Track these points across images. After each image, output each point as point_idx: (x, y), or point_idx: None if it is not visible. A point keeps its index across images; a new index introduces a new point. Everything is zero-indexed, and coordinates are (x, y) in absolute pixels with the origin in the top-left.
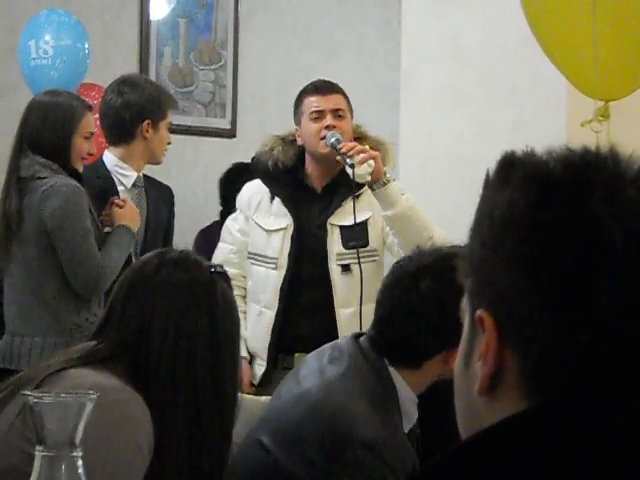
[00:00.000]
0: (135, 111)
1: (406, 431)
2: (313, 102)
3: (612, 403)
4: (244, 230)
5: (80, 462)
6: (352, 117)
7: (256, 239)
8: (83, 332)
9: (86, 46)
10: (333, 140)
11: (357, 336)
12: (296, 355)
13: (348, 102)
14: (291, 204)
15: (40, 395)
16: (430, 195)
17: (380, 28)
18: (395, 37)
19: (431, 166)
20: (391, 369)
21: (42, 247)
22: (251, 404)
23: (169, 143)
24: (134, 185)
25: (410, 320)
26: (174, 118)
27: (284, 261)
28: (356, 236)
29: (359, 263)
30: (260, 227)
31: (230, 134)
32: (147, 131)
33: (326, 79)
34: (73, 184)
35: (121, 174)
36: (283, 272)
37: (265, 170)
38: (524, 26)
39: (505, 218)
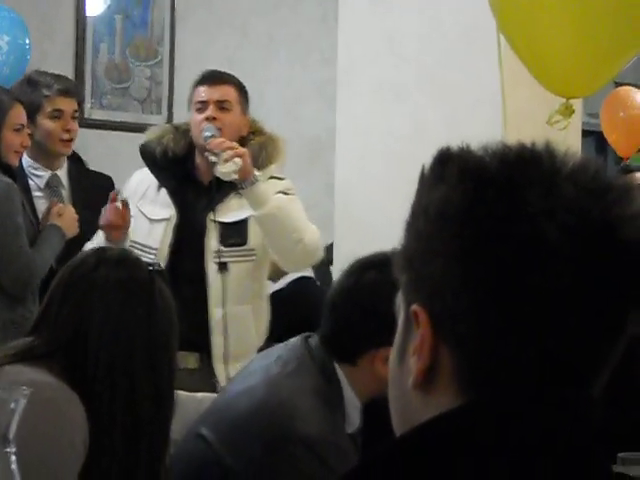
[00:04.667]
0: None
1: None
2: (200, 92)
3: (543, 403)
4: None
5: (13, 458)
6: (246, 111)
7: (139, 228)
8: (19, 328)
9: (27, 42)
10: (207, 134)
11: (307, 336)
12: None
13: (241, 95)
14: (177, 196)
15: None
16: (367, 191)
17: (317, 25)
18: (332, 34)
19: (368, 162)
20: (337, 369)
21: None
22: (186, 400)
23: (68, 131)
24: (47, 185)
25: (347, 307)
26: (110, 114)
27: (165, 253)
28: (235, 234)
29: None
30: (144, 216)
31: None
32: (27, 127)
33: (220, 70)
34: (5, 181)
35: (34, 174)
36: (163, 265)
37: (153, 159)
38: (461, 23)
39: (440, 213)
